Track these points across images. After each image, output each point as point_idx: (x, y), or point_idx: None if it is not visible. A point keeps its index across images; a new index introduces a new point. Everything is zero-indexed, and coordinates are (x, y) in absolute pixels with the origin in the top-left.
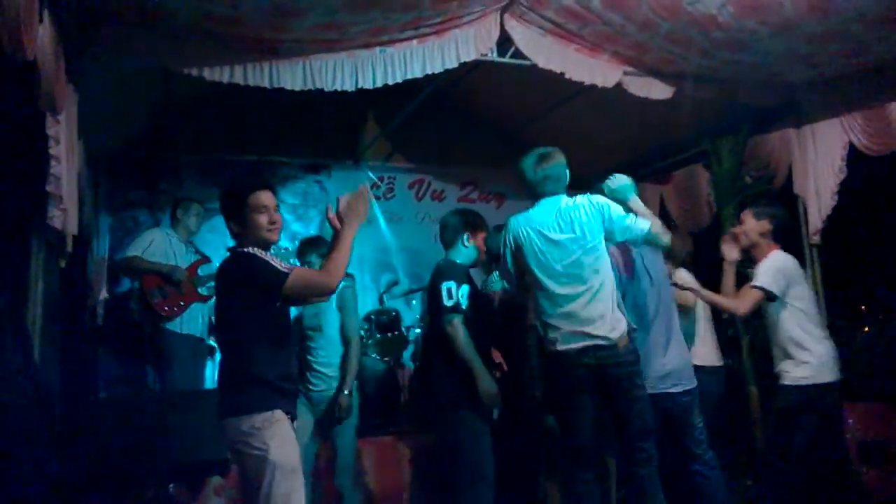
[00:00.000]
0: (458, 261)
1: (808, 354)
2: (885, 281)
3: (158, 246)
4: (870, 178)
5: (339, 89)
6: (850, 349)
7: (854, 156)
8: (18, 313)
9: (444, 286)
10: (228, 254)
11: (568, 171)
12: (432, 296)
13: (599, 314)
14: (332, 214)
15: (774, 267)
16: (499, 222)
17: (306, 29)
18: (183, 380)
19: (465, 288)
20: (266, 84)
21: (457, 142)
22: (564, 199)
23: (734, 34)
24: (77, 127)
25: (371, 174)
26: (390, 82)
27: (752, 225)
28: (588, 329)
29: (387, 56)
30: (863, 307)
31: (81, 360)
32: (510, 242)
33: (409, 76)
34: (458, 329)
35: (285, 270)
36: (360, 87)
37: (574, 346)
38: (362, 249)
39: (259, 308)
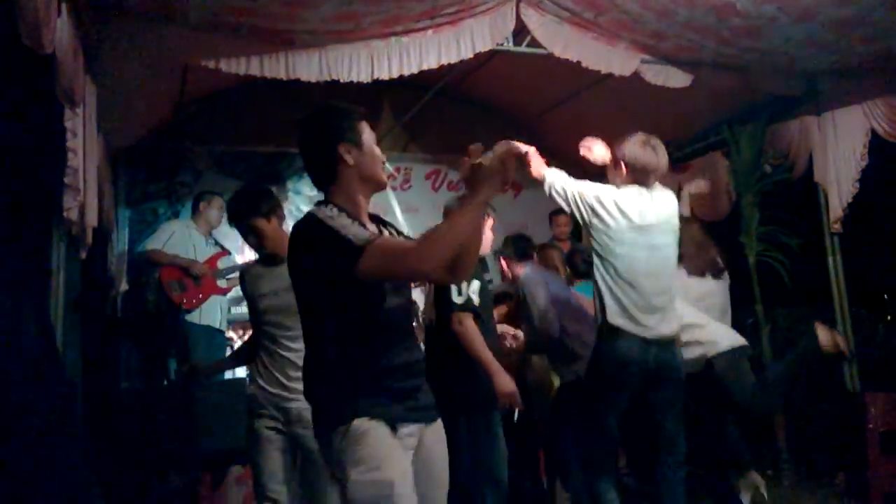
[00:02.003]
0: None
1: None
2: None
3: (178, 238)
4: (893, 166)
5: (355, 80)
6: (871, 339)
7: (877, 143)
8: (41, 305)
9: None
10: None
11: None
12: (440, 290)
13: (667, 310)
14: (465, 171)
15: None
16: (516, 212)
17: (321, 19)
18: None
19: (475, 283)
20: (282, 75)
21: (473, 132)
22: (656, 192)
23: (753, 21)
24: (96, 120)
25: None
26: (406, 73)
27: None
28: (655, 323)
29: (402, 46)
30: (885, 296)
31: (102, 351)
32: (604, 209)
33: (425, 66)
34: (468, 328)
35: (360, 242)
36: (375, 77)
37: (638, 336)
38: None
39: (335, 290)
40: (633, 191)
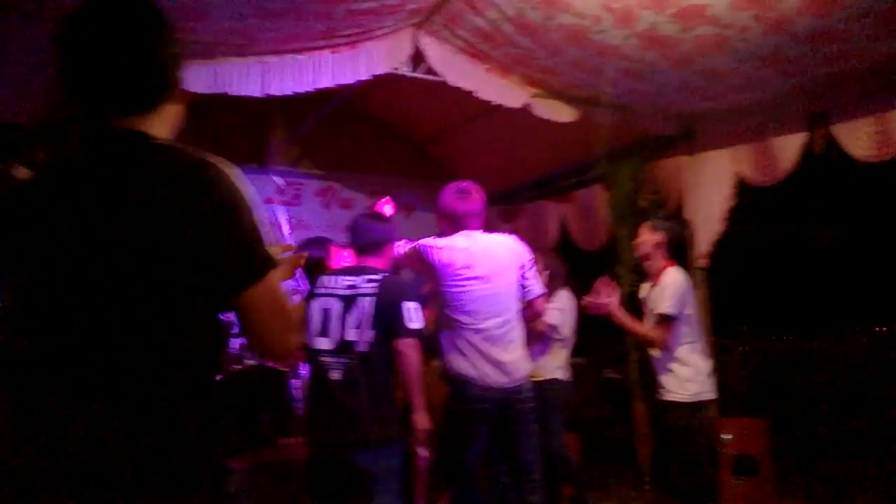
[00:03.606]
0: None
1: (692, 371)
2: (765, 306)
3: None
4: (756, 206)
5: (246, 94)
6: (728, 367)
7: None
8: None
9: (408, 306)
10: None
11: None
12: (390, 312)
13: (513, 350)
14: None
15: (675, 288)
16: (408, 233)
17: (213, 32)
18: None
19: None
20: None
21: (367, 151)
22: (483, 234)
23: (636, 65)
24: None
25: (277, 179)
26: (299, 90)
27: (648, 236)
28: (501, 364)
29: (297, 63)
30: (743, 327)
31: None
32: (434, 259)
33: (320, 86)
34: (418, 355)
35: (272, 257)
36: (267, 93)
37: (485, 378)
38: None
39: (204, 291)
40: (460, 239)
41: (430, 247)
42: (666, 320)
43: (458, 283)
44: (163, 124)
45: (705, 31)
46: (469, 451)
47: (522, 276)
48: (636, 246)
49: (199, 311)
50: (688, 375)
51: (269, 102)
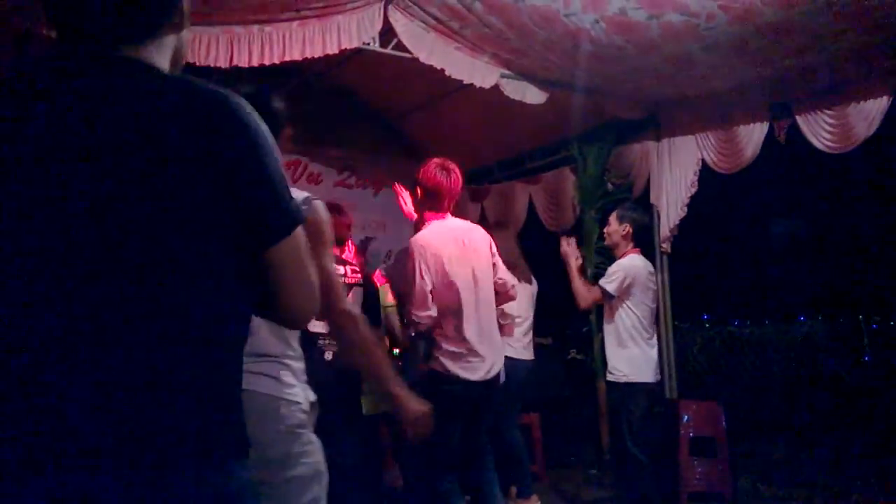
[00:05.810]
0: None
1: (627, 354)
2: (725, 291)
3: None
4: (720, 195)
5: (213, 65)
6: (688, 352)
7: (707, 172)
8: None
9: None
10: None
11: None
12: (374, 301)
13: (496, 340)
14: None
15: (621, 269)
16: (375, 210)
17: None
18: None
19: None
20: None
21: (336, 125)
22: (456, 220)
23: (603, 49)
24: None
25: None
26: (267, 62)
27: (615, 227)
28: (486, 357)
29: (265, 35)
30: (704, 315)
31: None
32: (426, 259)
33: (288, 58)
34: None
35: (302, 209)
36: (234, 64)
37: (470, 375)
38: None
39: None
40: (440, 228)
41: (421, 246)
42: (600, 290)
43: (446, 276)
44: (163, 57)
45: (673, 19)
46: (448, 441)
47: (493, 266)
48: (606, 234)
49: (220, 274)
50: (624, 358)
51: (235, 73)
